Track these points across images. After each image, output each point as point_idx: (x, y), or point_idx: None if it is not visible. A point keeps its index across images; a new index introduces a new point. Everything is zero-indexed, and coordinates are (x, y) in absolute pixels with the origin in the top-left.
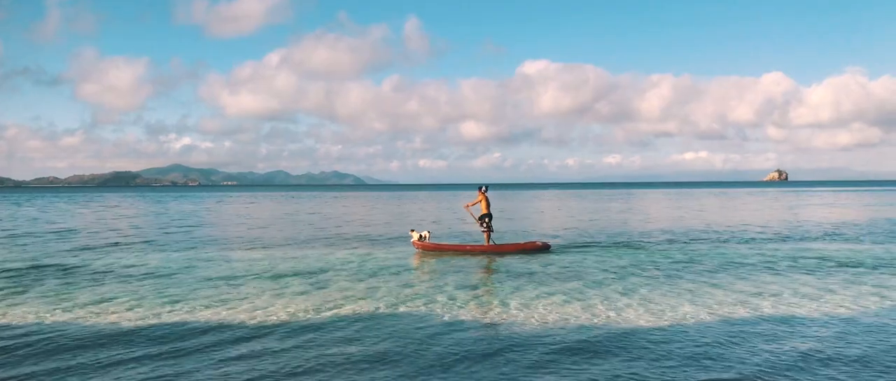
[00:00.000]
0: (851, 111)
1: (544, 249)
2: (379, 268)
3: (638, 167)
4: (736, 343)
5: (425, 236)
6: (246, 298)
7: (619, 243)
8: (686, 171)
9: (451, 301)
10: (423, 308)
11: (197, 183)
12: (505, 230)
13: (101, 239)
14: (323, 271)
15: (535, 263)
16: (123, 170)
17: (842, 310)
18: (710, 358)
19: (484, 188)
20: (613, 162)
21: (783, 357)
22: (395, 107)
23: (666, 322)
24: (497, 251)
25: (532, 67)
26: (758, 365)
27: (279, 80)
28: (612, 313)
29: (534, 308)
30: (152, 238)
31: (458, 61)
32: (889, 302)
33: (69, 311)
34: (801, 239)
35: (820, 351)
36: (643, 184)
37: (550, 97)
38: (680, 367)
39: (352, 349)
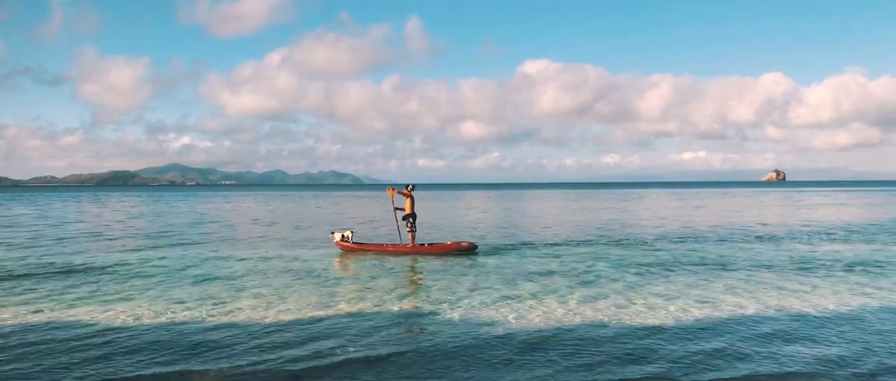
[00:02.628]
0: (851, 111)
1: (471, 249)
2: (302, 269)
3: (636, 167)
4: (655, 344)
5: (348, 237)
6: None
7: (553, 243)
8: (684, 171)
9: (374, 301)
10: (344, 309)
11: (195, 182)
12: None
13: (125, 239)
14: (239, 272)
15: (459, 263)
16: (121, 169)
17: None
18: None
19: (410, 187)
20: (612, 162)
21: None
22: (394, 107)
23: (584, 322)
24: (421, 252)
25: (532, 67)
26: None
27: (280, 79)
28: (530, 313)
29: (456, 308)
30: (175, 237)
31: (459, 61)
32: (883, 301)
33: (98, 308)
34: (733, 239)
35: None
36: (640, 184)
37: (550, 97)
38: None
39: (275, 354)
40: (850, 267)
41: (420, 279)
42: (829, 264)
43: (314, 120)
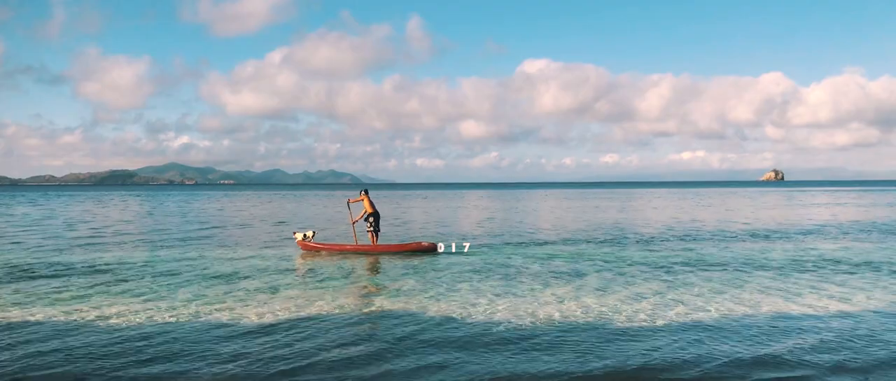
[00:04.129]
0: (850, 111)
1: (431, 249)
2: (262, 269)
3: (635, 167)
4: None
5: (310, 237)
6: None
7: (524, 243)
8: (683, 170)
9: (330, 302)
10: (300, 308)
11: (194, 182)
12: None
13: (131, 239)
14: (208, 272)
15: (418, 263)
16: (120, 168)
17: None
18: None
19: (365, 191)
20: (611, 161)
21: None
22: (395, 106)
23: (529, 321)
24: (381, 252)
25: (532, 67)
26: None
27: (281, 78)
28: (481, 311)
29: (412, 308)
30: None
31: (460, 61)
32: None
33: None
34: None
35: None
36: (638, 183)
37: (550, 97)
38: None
39: (227, 349)
40: (853, 267)
41: (378, 279)
42: (831, 264)
43: (314, 119)
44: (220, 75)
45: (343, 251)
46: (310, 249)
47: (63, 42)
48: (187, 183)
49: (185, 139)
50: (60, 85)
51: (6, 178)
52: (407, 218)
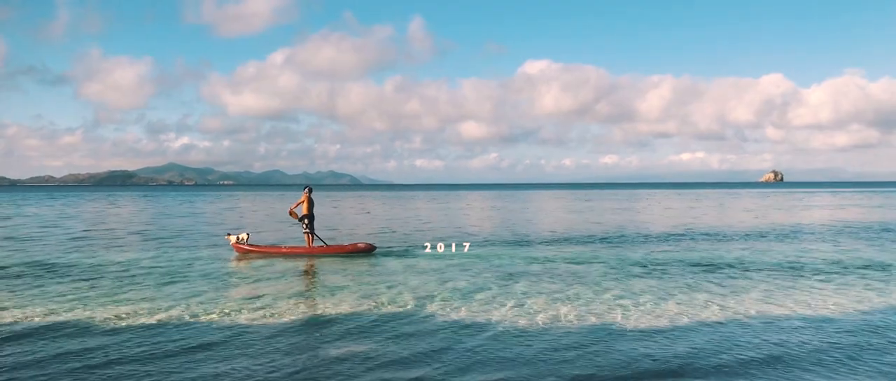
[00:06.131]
0: (850, 112)
1: (368, 251)
2: (194, 271)
3: (635, 168)
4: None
5: (243, 238)
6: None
7: (514, 243)
8: (683, 171)
9: (263, 303)
10: (232, 315)
11: (193, 183)
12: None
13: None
14: (127, 273)
15: (356, 265)
16: (120, 169)
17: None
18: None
19: (308, 190)
20: (610, 162)
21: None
22: (395, 107)
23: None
24: (318, 253)
25: (533, 67)
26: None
27: (282, 79)
28: (420, 311)
29: (344, 309)
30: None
31: (461, 61)
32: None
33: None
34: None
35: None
36: (638, 184)
37: (551, 97)
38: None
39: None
40: (856, 268)
41: (313, 281)
42: (830, 265)
43: (315, 120)
44: (221, 76)
45: (278, 254)
46: (244, 251)
47: (65, 43)
48: (186, 183)
49: (185, 140)
50: (62, 86)
51: (5, 178)
52: (407, 219)
